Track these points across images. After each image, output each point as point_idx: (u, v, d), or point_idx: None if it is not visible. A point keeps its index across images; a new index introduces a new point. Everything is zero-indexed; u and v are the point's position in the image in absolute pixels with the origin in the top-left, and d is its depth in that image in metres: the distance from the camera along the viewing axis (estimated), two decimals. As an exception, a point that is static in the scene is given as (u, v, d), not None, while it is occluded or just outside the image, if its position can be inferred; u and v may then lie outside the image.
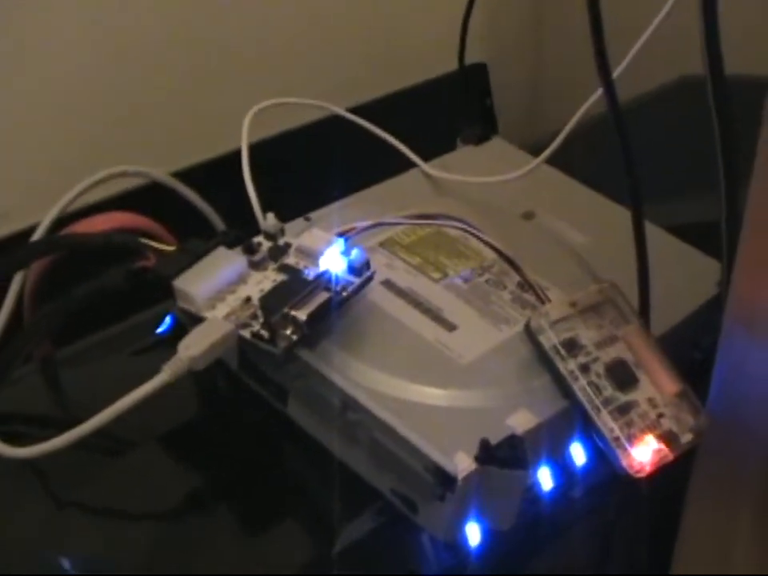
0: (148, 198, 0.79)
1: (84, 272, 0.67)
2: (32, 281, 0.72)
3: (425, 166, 0.83)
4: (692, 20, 0.68)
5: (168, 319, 0.73)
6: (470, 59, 1.10)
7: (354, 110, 0.88)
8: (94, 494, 0.66)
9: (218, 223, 0.75)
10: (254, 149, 0.77)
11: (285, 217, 0.70)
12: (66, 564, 0.62)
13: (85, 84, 0.99)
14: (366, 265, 0.64)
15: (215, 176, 0.88)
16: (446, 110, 1.22)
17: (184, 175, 0.81)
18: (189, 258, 0.64)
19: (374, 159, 0.86)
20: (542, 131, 1.45)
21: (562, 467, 0.62)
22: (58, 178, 0.96)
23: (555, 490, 0.62)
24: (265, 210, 0.72)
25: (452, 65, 1.25)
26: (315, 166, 1.05)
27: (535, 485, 0.61)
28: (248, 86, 1.09)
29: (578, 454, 0.63)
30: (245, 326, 0.61)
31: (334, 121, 0.88)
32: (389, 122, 0.88)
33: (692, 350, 0.70)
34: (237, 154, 1.06)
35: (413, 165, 0.85)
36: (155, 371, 0.60)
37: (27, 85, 0.95)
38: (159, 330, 0.74)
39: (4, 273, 0.71)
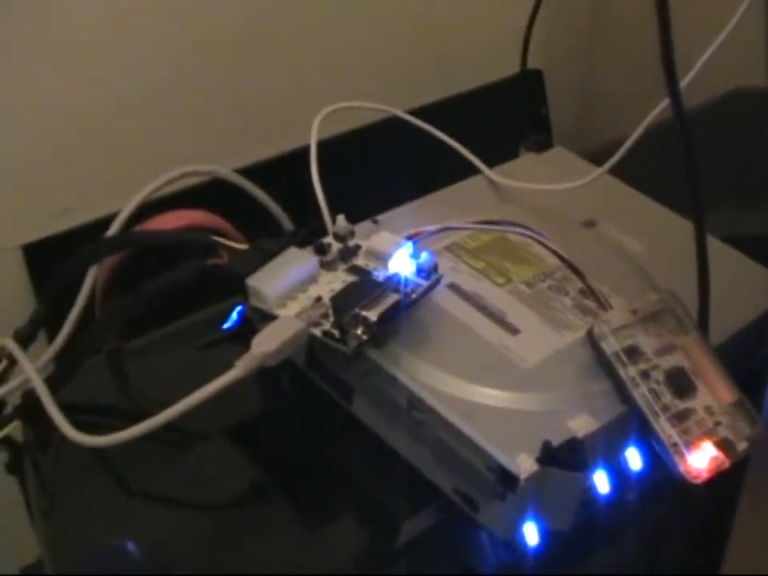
0: (212, 194, 0.80)
1: (155, 268, 0.69)
2: (104, 275, 0.73)
3: (489, 173, 0.84)
4: (745, 32, 0.69)
5: (234, 315, 0.74)
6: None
7: (413, 113, 0.89)
8: (159, 485, 0.68)
9: (287, 222, 0.76)
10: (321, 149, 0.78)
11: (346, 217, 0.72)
12: (130, 552, 0.63)
13: (151, 82, 1.01)
14: (434, 268, 0.65)
15: (270, 174, 0.89)
16: (502, 115, 1.24)
17: (243, 172, 0.81)
18: (261, 257, 0.66)
19: (432, 162, 0.87)
20: (592, 139, 1.46)
21: (618, 471, 0.63)
22: (120, 175, 0.99)
23: (611, 493, 0.62)
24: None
25: (504, 71, 1.27)
26: (375, 167, 1.06)
27: (592, 487, 0.61)
28: (312, 86, 1.11)
29: (634, 458, 0.63)
30: (315, 324, 0.62)
31: (394, 123, 0.89)
32: (445, 124, 0.89)
33: (748, 360, 0.70)
34: (294, 154, 1.08)
35: (472, 168, 0.86)
36: (221, 366, 0.61)
37: (93, 82, 0.97)
38: (225, 325, 0.74)
39: (79, 267, 0.73)
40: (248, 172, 0.80)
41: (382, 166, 1.06)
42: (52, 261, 0.85)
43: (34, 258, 1.01)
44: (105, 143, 1.02)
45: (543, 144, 0.89)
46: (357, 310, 0.61)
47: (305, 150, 0.77)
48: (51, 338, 0.75)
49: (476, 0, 1.29)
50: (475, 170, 0.85)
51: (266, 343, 0.60)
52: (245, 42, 1.08)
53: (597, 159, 0.85)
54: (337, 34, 1.16)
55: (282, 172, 0.99)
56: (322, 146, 0.78)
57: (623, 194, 0.84)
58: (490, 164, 0.86)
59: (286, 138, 1.08)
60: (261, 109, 1.12)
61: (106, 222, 0.75)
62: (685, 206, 0.70)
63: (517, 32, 1.12)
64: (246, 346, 0.61)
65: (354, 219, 0.71)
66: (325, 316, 0.62)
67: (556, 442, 0.57)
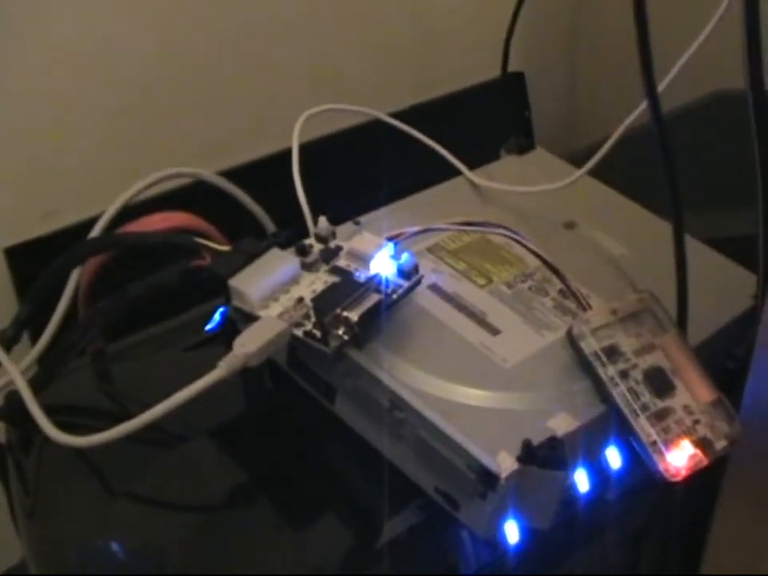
0: (195, 196, 0.80)
1: (137, 269, 0.69)
2: (87, 277, 0.74)
3: (470, 174, 0.84)
4: (723, 36, 0.70)
5: (217, 316, 0.74)
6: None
7: (395, 115, 0.89)
8: (143, 485, 0.68)
9: (269, 224, 0.77)
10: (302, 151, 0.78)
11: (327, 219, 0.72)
12: (114, 552, 0.63)
13: (134, 86, 1.01)
14: (415, 269, 0.65)
15: (252, 177, 0.90)
16: (485, 118, 1.24)
17: (225, 175, 0.82)
18: (243, 258, 0.66)
19: (414, 164, 0.88)
20: (575, 142, 1.46)
21: (598, 470, 0.63)
22: (103, 177, 0.99)
23: (591, 492, 0.63)
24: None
25: (488, 74, 1.27)
26: (357, 169, 1.07)
27: (572, 486, 0.62)
28: (294, 89, 1.11)
29: (614, 457, 0.64)
30: (297, 325, 0.63)
31: (377, 126, 0.90)
32: (427, 127, 0.90)
33: (726, 360, 0.71)
34: (276, 156, 1.09)
35: (454, 170, 0.86)
36: (204, 367, 0.61)
37: (73, 86, 0.97)
38: (208, 327, 0.75)
39: (62, 269, 0.73)
40: (230, 174, 0.81)
41: (364, 169, 1.06)
42: (34, 263, 0.85)
43: (16, 261, 1.01)
44: (87, 146, 1.02)
45: (524, 146, 0.90)
46: (338, 310, 0.61)
47: (287, 153, 0.77)
48: (34, 339, 0.75)
49: (459, 3, 1.29)
50: (457, 172, 0.85)
51: (248, 344, 0.60)
52: (227, 45, 1.08)
53: (578, 161, 0.86)
54: (319, 37, 1.16)
55: (264, 174, 1.00)
56: (305, 148, 0.79)
57: (603, 196, 0.84)
58: (473, 166, 0.86)
59: (268, 140, 1.08)
60: (243, 111, 1.12)
61: (89, 224, 0.75)
62: (665, 208, 0.71)
63: (499, 35, 1.12)
64: (229, 347, 0.61)
65: (335, 221, 0.71)
66: (306, 317, 0.63)
67: (536, 440, 0.58)
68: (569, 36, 1.47)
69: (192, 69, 1.06)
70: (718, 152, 1.02)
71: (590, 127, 1.49)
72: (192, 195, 0.82)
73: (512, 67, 1.20)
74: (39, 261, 0.82)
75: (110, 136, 1.04)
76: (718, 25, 0.73)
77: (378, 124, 0.89)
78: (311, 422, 0.70)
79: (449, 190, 0.84)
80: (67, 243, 0.73)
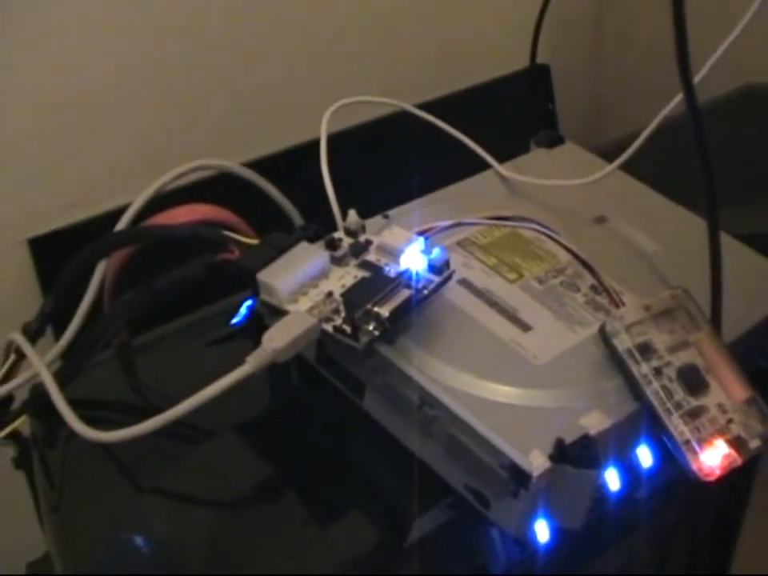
0: (220, 188, 0.80)
1: (163, 262, 0.69)
2: (113, 270, 0.73)
3: (499, 168, 0.84)
4: (756, 28, 0.69)
5: (243, 310, 0.74)
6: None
7: (421, 107, 0.88)
8: (168, 480, 0.68)
9: (297, 217, 0.76)
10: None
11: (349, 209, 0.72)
12: (139, 547, 0.63)
13: (158, 76, 1.00)
14: (446, 264, 0.65)
15: (277, 168, 0.89)
16: (509, 110, 1.24)
17: (250, 167, 0.81)
18: (272, 252, 0.66)
19: (440, 156, 0.87)
20: (600, 135, 1.46)
21: (629, 468, 0.63)
22: (126, 169, 0.99)
23: (621, 490, 0.62)
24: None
25: (512, 66, 1.26)
26: (383, 161, 1.06)
27: (603, 485, 0.61)
28: (320, 80, 1.10)
29: (645, 456, 0.63)
30: (327, 320, 0.62)
31: (403, 118, 0.89)
32: (451, 119, 0.89)
33: (760, 358, 0.70)
34: (301, 148, 1.08)
35: (481, 162, 0.86)
36: (229, 361, 0.61)
37: (94, 78, 0.97)
38: (234, 320, 0.74)
39: (88, 261, 0.73)
40: (254, 166, 0.80)
41: (390, 161, 1.06)
42: (58, 254, 0.85)
43: (40, 252, 1.01)
44: (111, 137, 1.02)
45: (554, 139, 0.89)
46: (369, 305, 0.60)
47: (311, 144, 0.77)
48: (58, 333, 0.74)
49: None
50: (485, 165, 0.85)
51: (277, 339, 0.60)
52: (252, 34, 1.08)
53: (606, 155, 0.85)
54: (344, 27, 1.16)
55: (289, 166, 0.99)
56: (330, 140, 0.78)
57: (634, 190, 0.84)
58: (498, 158, 0.85)
59: (294, 132, 1.07)
60: (267, 103, 1.11)
61: (113, 216, 0.75)
62: (695, 203, 0.70)
63: (524, 27, 1.12)
64: (255, 341, 0.61)
65: (362, 214, 0.70)
66: (336, 311, 0.62)
67: (568, 439, 0.57)
68: (595, 29, 1.47)
69: (216, 60, 1.06)
70: (749, 147, 1.01)
71: (614, 121, 1.48)
72: (217, 187, 0.82)
73: (538, 59, 1.19)
74: (62, 252, 0.82)
75: (132, 128, 1.04)
76: (753, 16, 0.72)
77: (403, 116, 0.88)
78: (339, 418, 0.69)
79: (478, 183, 0.83)
80: (89, 235, 0.73)
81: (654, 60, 1.21)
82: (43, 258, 1.01)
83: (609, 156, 0.84)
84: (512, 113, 1.27)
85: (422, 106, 0.88)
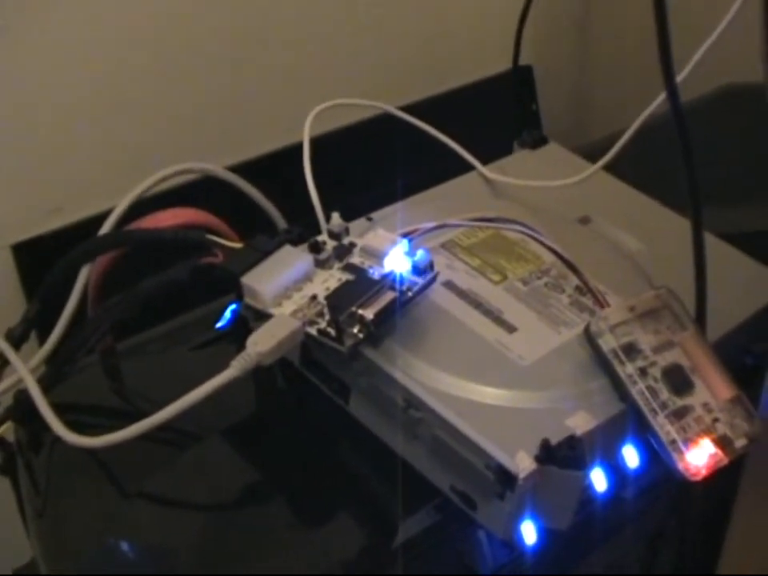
0: (203, 191, 0.80)
1: (147, 266, 0.68)
2: (97, 274, 0.73)
3: (483, 169, 0.84)
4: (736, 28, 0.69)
5: (227, 314, 0.73)
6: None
7: (404, 109, 0.88)
8: (154, 484, 0.67)
9: (280, 221, 0.76)
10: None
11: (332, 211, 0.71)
12: (125, 552, 0.63)
13: (141, 81, 1.00)
14: (430, 266, 0.65)
15: (259, 172, 0.89)
16: (493, 111, 1.24)
17: (232, 170, 0.81)
18: (256, 256, 0.66)
19: (422, 158, 0.87)
20: (583, 135, 1.46)
21: (615, 468, 0.63)
22: (110, 173, 0.98)
23: (608, 491, 0.62)
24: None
25: (494, 68, 1.26)
26: (366, 164, 1.06)
27: (589, 485, 0.61)
28: (302, 83, 1.10)
29: (631, 456, 0.63)
30: (311, 323, 0.62)
31: (386, 120, 0.89)
32: (433, 120, 0.89)
33: (745, 356, 0.70)
34: (283, 151, 1.08)
35: (465, 164, 0.86)
36: (214, 365, 0.61)
37: (77, 82, 0.96)
38: (218, 324, 0.74)
39: (72, 266, 0.72)
40: (236, 169, 0.80)
41: (372, 163, 1.06)
42: (42, 260, 0.85)
43: (23, 257, 1.01)
44: (95, 142, 1.02)
45: (537, 140, 0.89)
46: (353, 308, 0.61)
47: (294, 148, 0.77)
48: (42, 337, 0.74)
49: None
50: (469, 167, 0.85)
51: (261, 342, 0.60)
52: (235, 39, 1.08)
53: (590, 155, 0.85)
54: (327, 30, 1.16)
55: (272, 169, 0.99)
56: (313, 142, 0.78)
57: (617, 191, 0.84)
58: (482, 159, 0.85)
59: (277, 135, 1.07)
60: (249, 106, 1.11)
61: (96, 220, 0.75)
62: (677, 202, 0.70)
63: (506, 28, 1.12)
64: (240, 345, 0.60)
65: (345, 216, 0.70)
66: (320, 314, 0.62)
67: (554, 440, 0.57)
68: (578, 29, 1.47)
69: (197, 65, 1.06)
70: (730, 146, 1.01)
71: (598, 121, 1.48)
72: (200, 190, 0.82)
73: (521, 60, 1.19)
74: (46, 257, 0.82)
75: (115, 132, 1.03)
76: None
77: (385, 119, 0.88)
78: (324, 421, 0.69)
79: (461, 185, 0.83)
80: (73, 240, 0.73)
81: (637, 60, 1.21)
82: (26, 264, 1.01)
83: (592, 156, 0.84)
84: (495, 114, 1.27)
85: (406, 108, 0.88)
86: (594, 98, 1.51)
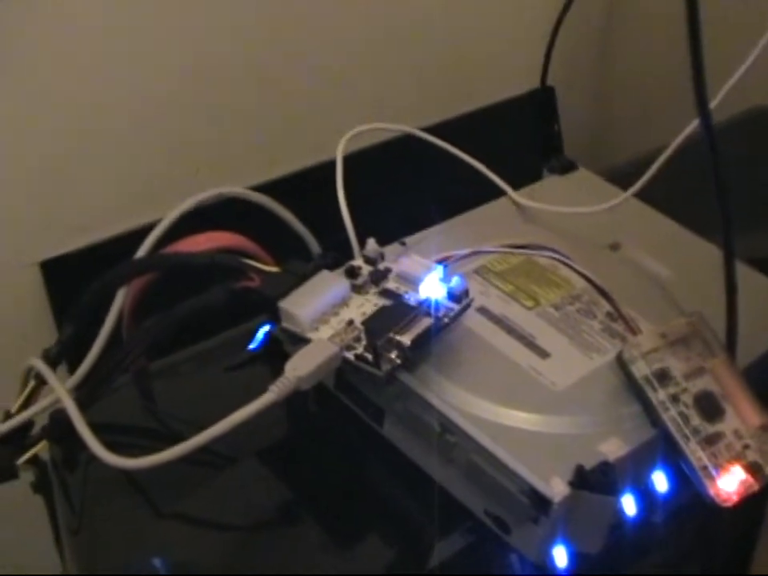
0: (227, 211, 0.80)
1: (180, 289, 0.69)
2: (133, 296, 0.73)
3: (514, 195, 0.84)
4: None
5: (259, 336, 0.74)
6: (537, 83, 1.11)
7: (427, 130, 0.89)
8: (189, 505, 0.68)
9: (314, 245, 0.77)
10: (329, 166, 0.78)
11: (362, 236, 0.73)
12: (159, 571, 0.64)
13: (168, 99, 1.01)
14: (466, 292, 0.65)
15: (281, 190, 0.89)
16: (514, 132, 1.24)
17: (259, 189, 0.82)
18: (293, 280, 0.66)
19: (446, 179, 0.88)
20: (604, 157, 1.46)
21: (645, 493, 0.63)
22: (137, 192, 0.99)
23: (637, 515, 0.63)
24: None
25: (515, 89, 1.27)
26: (389, 185, 1.07)
27: (620, 510, 0.62)
28: (329, 104, 1.11)
29: (660, 481, 0.64)
30: (348, 348, 0.63)
31: (407, 140, 0.90)
32: (458, 141, 0.90)
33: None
34: (305, 173, 1.09)
35: (489, 184, 0.87)
36: (246, 386, 0.62)
37: (110, 101, 0.97)
38: (251, 346, 0.75)
39: (107, 288, 0.73)
40: (260, 189, 0.80)
41: (398, 184, 1.06)
42: (70, 277, 0.86)
43: (52, 275, 1.02)
44: (122, 161, 1.02)
45: (566, 166, 0.90)
46: (390, 334, 0.61)
47: (316, 168, 0.77)
48: (70, 359, 0.75)
49: (489, 18, 1.29)
50: (494, 187, 0.85)
51: (300, 367, 0.60)
52: (263, 57, 1.09)
53: (614, 178, 0.86)
54: (355, 51, 1.16)
55: (292, 190, 1.00)
56: (332, 164, 0.79)
57: (647, 217, 0.84)
58: (506, 180, 0.86)
59: (300, 157, 1.08)
60: (276, 126, 1.12)
61: (118, 240, 0.75)
62: (705, 225, 0.71)
63: (526, 49, 1.12)
64: (273, 367, 0.61)
65: (367, 236, 0.71)
66: (357, 339, 0.63)
67: (587, 465, 0.58)
68: (598, 51, 1.47)
69: (228, 83, 1.06)
70: (759, 170, 1.01)
71: (619, 143, 1.49)
72: (223, 211, 0.81)
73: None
74: (73, 275, 0.83)
75: (143, 151, 1.04)
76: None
77: (407, 139, 0.88)
78: (357, 444, 0.70)
79: (492, 210, 0.84)
80: (100, 258, 0.73)
81: (661, 84, 1.22)
82: (55, 281, 1.02)
83: (616, 180, 0.84)
84: (516, 135, 1.27)
85: (428, 129, 0.88)
86: (612, 119, 1.51)
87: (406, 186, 1.06)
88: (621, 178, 0.84)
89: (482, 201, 0.85)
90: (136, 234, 0.77)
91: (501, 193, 0.85)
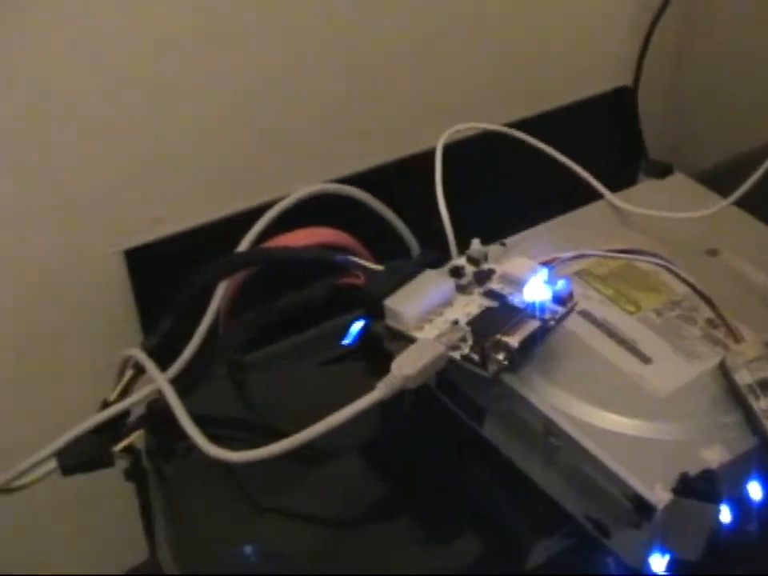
0: (325, 207, 0.80)
1: (275, 283, 0.69)
2: (232, 290, 0.74)
3: (612, 198, 0.84)
4: None
5: (353, 331, 0.74)
6: (616, 83, 1.11)
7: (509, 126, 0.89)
8: (284, 498, 0.69)
9: (414, 245, 0.77)
10: (417, 159, 0.78)
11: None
12: (254, 562, 0.64)
13: (244, 92, 1.01)
14: (570, 295, 0.65)
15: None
16: (592, 132, 1.24)
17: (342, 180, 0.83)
18: (397, 279, 0.67)
19: (530, 176, 0.88)
20: (686, 160, 1.45)
21: (740, 501, 0.63)
22: (209, 190, 1.00)
23: (733, 523, 0.63)
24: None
25: (591, 89, 1.26)
26: (472, 180, 1.07)
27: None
28: (416, 96, 1.11)
29: (755, 489, 0.63)
30: (454, 348, 0.63)
31: (488, 135, 0.90)
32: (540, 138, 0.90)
33: None
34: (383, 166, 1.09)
35: (574, 180, 0.87)
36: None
37: (186, 94, 0.98)
38: (345, 341, 0.75)
39: (209, 281, 0.74)
40: (344, 181, 0.82)
41: (485, 181, 1.07)
42: (148, 265, 0.87)
43: (133, 262, 1.03)
44: (197, 160, 1.03)
45: (663, 170, 0.89)
46: (498, 335, 0.61)
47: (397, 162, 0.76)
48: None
49: (570, 16, 1.28)
50: (584, 186, 0.85)
51: (407, 366, 0.61)
52: (345, 58, 1.09)
53: (707, 182, 0.85)
54: (445, 48, 1.16)
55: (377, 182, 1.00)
56: (422, 157, 0.79)
57: (745, 223, 0.84)
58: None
59: (381, 149, 1.08)
60: (367, 118, 1.12)
61: (194, 232, 0.76)
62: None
63: (606, 48, 1.12)
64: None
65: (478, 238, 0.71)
66: (463, 340, 0.63)
67: (690, 472, 0.58)
68: (675, 52, 1.46)
69: (306, 78, 1.06)
70: None
71: (695, 146, 1.48)
72: (311, 206, 0.82)
73: (623, 81, 1.20)
74: (152, 264, 0.84)
75: (219, 146, 1.05)
76: None
77: (490, 136, 0.89)
78: (455, 443, 0.70)
79: (590, 213, 0.84)
80: (176, 249, 0.74)
81: (742, 85, 1.21)
82: (137, 269, 1.03)
83: (710, 183, 0.84)
84: (596, 135, 1.27)
85: (510, 126, 0.88)
86: (690, 121, 1.50)
87: (493, 183, 1.06)
88: (713, 181, 0.84)
89: (570, 200, 0.85)
90: (207, 227, 0.78)
91: (589, 193, 0.85)
